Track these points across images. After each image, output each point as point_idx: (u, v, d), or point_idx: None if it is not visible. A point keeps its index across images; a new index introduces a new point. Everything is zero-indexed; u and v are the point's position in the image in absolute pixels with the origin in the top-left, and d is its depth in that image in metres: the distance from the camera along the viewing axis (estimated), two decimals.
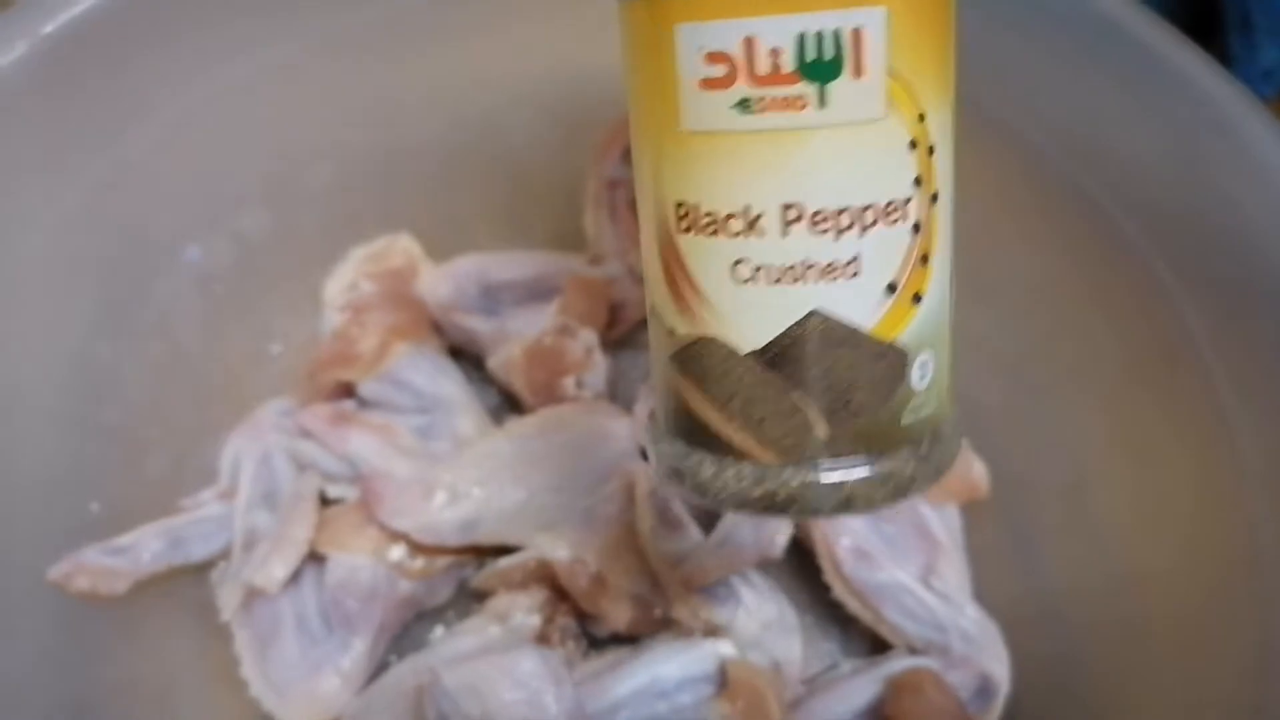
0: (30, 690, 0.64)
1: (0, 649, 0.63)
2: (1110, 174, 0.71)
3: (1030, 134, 0.74)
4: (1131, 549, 0.70)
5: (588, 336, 0.78)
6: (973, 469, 0.74)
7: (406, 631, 0.75)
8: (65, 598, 0.66)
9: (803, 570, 0.76)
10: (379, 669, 0.71)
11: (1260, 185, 0.62)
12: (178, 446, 0.76)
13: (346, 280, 0.81)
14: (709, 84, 0.38)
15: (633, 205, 0.82)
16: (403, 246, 0.83)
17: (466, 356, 0.84)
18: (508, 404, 0.83)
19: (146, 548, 0.68)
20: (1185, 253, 0.67)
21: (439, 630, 0.71)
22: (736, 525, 0.71)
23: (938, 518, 0.73)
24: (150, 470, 0.74)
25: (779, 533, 0.71)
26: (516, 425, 0.74)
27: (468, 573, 0.75)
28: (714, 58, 0.38)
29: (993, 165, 0.77)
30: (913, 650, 0.70)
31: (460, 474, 0.71)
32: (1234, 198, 0.64)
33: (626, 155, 0.83)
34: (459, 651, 0.66)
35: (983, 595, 0.73)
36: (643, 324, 0.86)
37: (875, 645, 0.74)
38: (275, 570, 0.68)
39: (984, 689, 0.69)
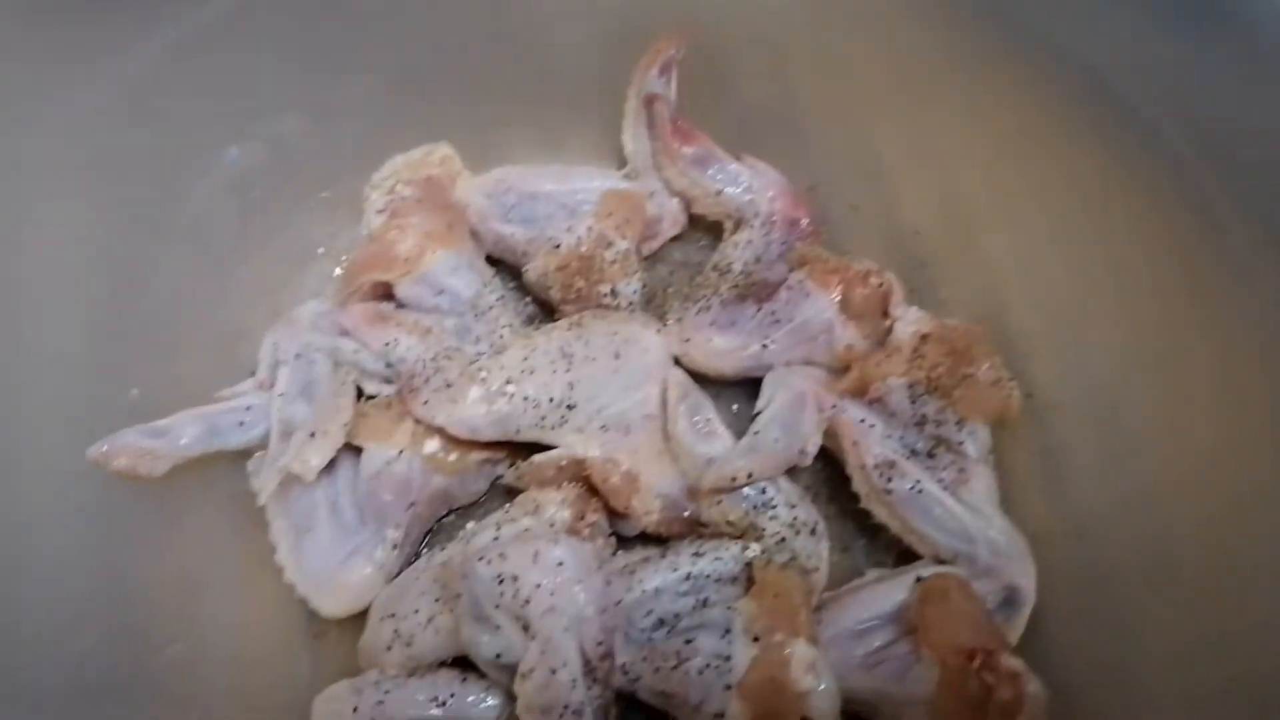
0: (73, 569, 0.65)
1: (44, 530, 0.65)
2: (1151, 91, 0.71)
3: (1080, 54, 0.74)
4: (1159, 466, 0.70)
5: (624, 246, 0.79)
6: (1006, 389, 0.74)
7: (439, 526, 0.76)
8: (106, 484, 0.68)
9: (831, 479, 0.77)
10: (410, 561, 0.72)
11: None
12: (215, 344, 0.77)
13: (386, 185, 0.81)
14: None
15: (671, 121, 0.83)
16: (442, 155, 0.84)
17: (503, 266, 0.84)
18: (542, 313, 0.84)
19: (185, 431, 0.70)
20: (1233, 172, 0.67)
21: (470, 526, 0.72)
22: (767, 431, 0.71)
23: (968, 433, 0.73)
24: (188, 364, 0.75)
25: (810, 440, 0.72)
26: (553, 328, 0.75)
27: (500, 471, 0.75)
28: None
29: (1035, 89, 0.78)
30: (939, 561, 0.71)
31: (496, 372, 0.72)
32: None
33: (666, 71, 0.84)
34: (491, 540, 0.67)
35: (1011, 512, 0.73)
36: (677, 240, 0.87)
37: (901, 556, 0.74)
38: (312, 458, 0.69)
39: (1010, 600, 0.69)
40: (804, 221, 0.83)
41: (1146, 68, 0.71)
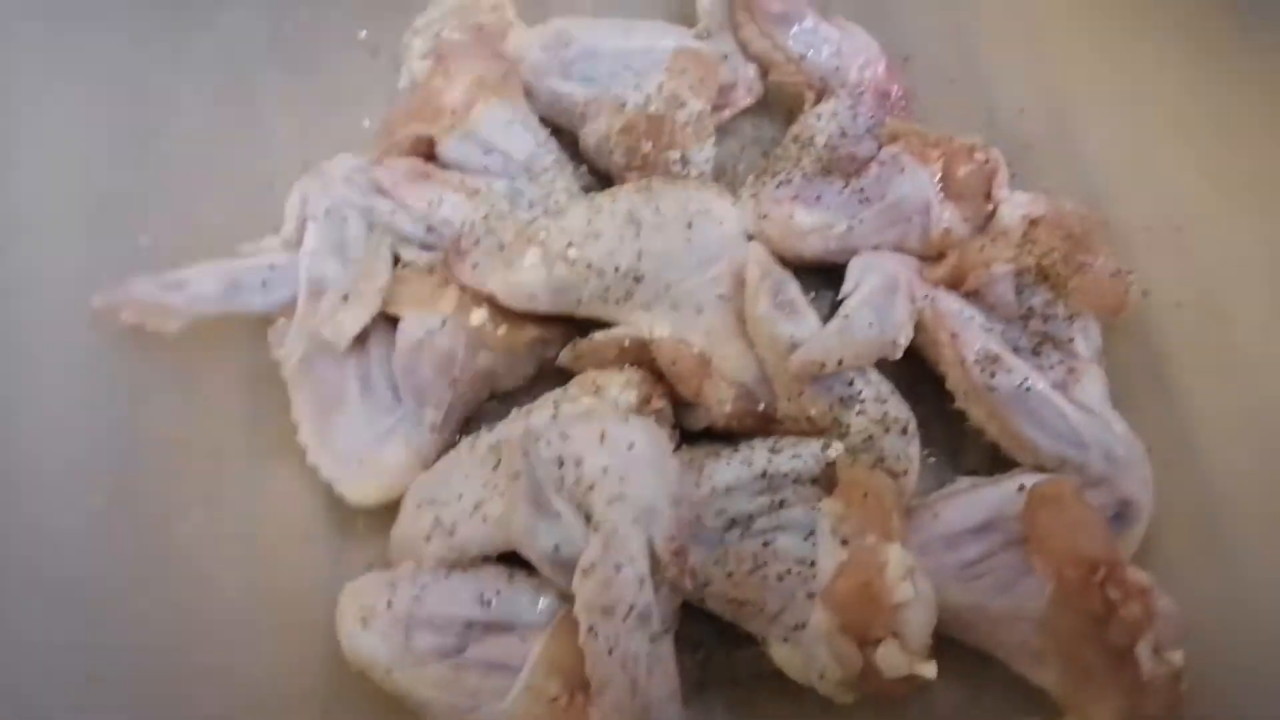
0: (76, 424, 0.59)
1: (45, 380, 0.59)
2: None
3: None
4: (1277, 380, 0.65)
5: (698, 107, 0.70)
6: (1125, 282, 0.66)
7: (480, 413, 0.68)
8: (113, 339, 0.61)
9: (919, 379, 0.69)
10: (447, 448, 0.65)
11: None
12: (239, 193, 0.70)
13: (431, 31, 0.73)
14: None
15: None
16: (494, 2, 0.75)
17: (557, 134, 0.76)
18: (599, 184, 0.75)
19: (202, 287, 0.62)
20: None
21: (519, 410, 0.64)
22: (859, 315, 0.64)
23: (1079, 330, 0.65)
24: (208, 214, 0.68)
25: (903, 329, 0.64)
26: (619, 190, 0.67)
27: (550, 353, 0.67)
28: None
29: None
30: (1042, 470, 0.63)
31: (557, 234, 0.64)
32: None
33: None
34: (549, 420, 0.59)
35: None
36: (748, 112, 0.79)
37: (993, 466, 0.66)
38: (346, 322, 0.62)
39: (1123, 515, 0.62)
40: (897, 93, 0.75)
41: None
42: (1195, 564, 0.63)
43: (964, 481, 0.65)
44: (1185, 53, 0.72)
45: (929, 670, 0.55)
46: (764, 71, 0.77)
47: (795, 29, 0.75)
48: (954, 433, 0.68)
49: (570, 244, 0.63)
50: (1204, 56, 0.71)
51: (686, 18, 0.78)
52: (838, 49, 0.75)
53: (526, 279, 0.63)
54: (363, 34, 0.75)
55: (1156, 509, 0.64)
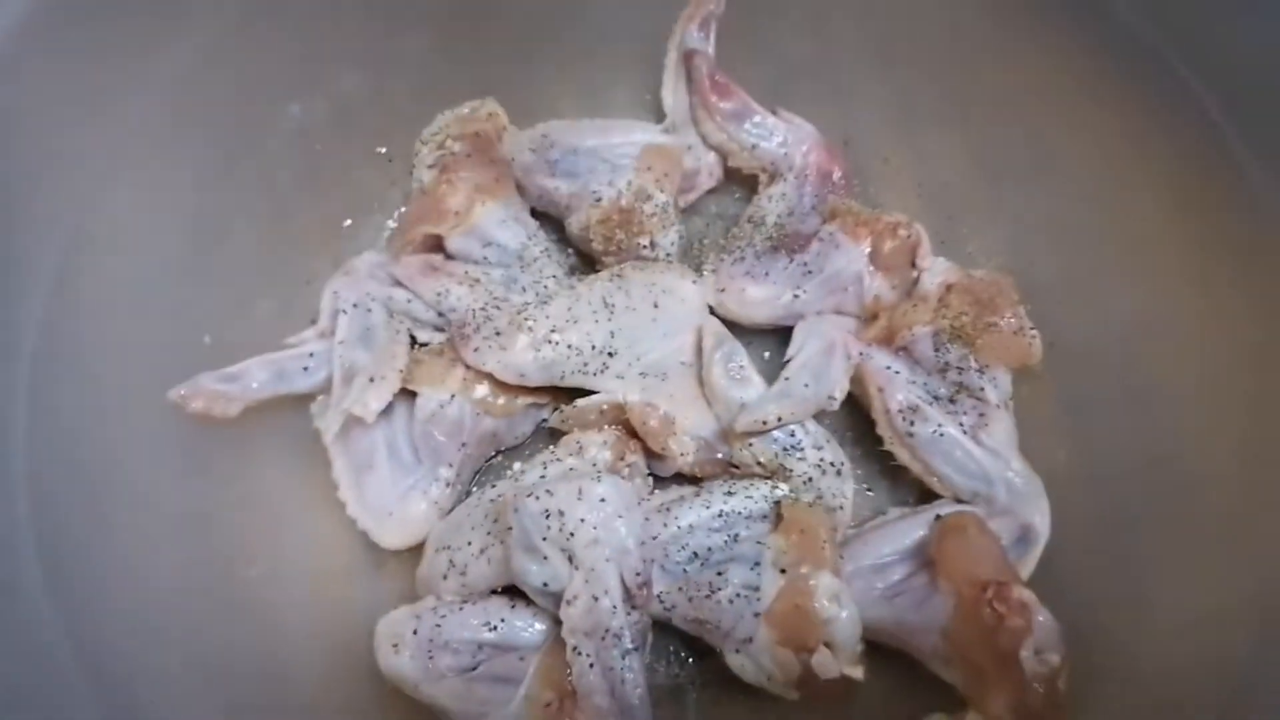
0: (160, 502, 0.71)
1: (132, 465, 0.70)
2: (1183, 45, 0.72)
3: (1114, 11, 0.75)
4: (1177, 418, 0.73)
5: (663, 199, 0.82)
6: (1028, 337, 0.77)
7: (488, 465, 0.81)
8: (187, 424, 0.73)
9: (858, 423, 0.81)
10: (462, 497, 0.78)
11: None
12: (282, 292, 0.82)
13: (436, 140, 0.85)
14: None
15: (709, 76, 0.86)
16: (489, 110, 0.87)
17: (547, 219, 0.88)
18: (583, 264, 0.88)
19: (255, 376, 0.75)
20: (1257, 122, 0.68)
21: (518, 465, 0.77)
22: (797, 377, 0.75)
23: (989, 380, 0.76)
24: (258, 311, 0.80)
25: (838, 386, 0.76)
26: (595, 279, 0.79)
27: (545, 414, 0.80)
28: None
29: (1065, 45, 0.79)
30: (958, 501, 0.75)
31: (542, 321, 0.76)
32: None
33: (705, 26, 0.87)
34: (538, 479, 0.72)
35: (1032, 457, 0.76)
36: (714, 192, 0.91)
37: (921, 497, 0.79)
38: (371, 401, 0.74)
39: (1024, 538, 0.73)
40: (837, 174, 0.86)
41: (1182, 28, 0.72)
42: (1100, 573, 0.73)
43: (894, 512, 0.77)
44: (1092, 129, 0.79)
45: (857, 673, 0.66)
46: (723, 158, 0.88)
47: (747, 123, 0.86)
48: (889, 469, 0.79)
49: (554, 329, 0.76)
50: (1110, 132, 0.78)
51: (657, 114, 0.89)
52: (784, 138, 0.86)
53: (518, 360, 0.75)
54: (381, 149, 0.87)
55: (1067, 527, 0.74)
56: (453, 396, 0.76)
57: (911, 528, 0.73)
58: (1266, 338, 0.69)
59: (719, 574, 0.69)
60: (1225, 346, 0.71)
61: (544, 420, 0.81)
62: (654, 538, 0.70)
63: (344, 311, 0.78)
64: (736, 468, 0.76)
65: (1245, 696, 0.60)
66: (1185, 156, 0.73)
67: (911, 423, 0.75)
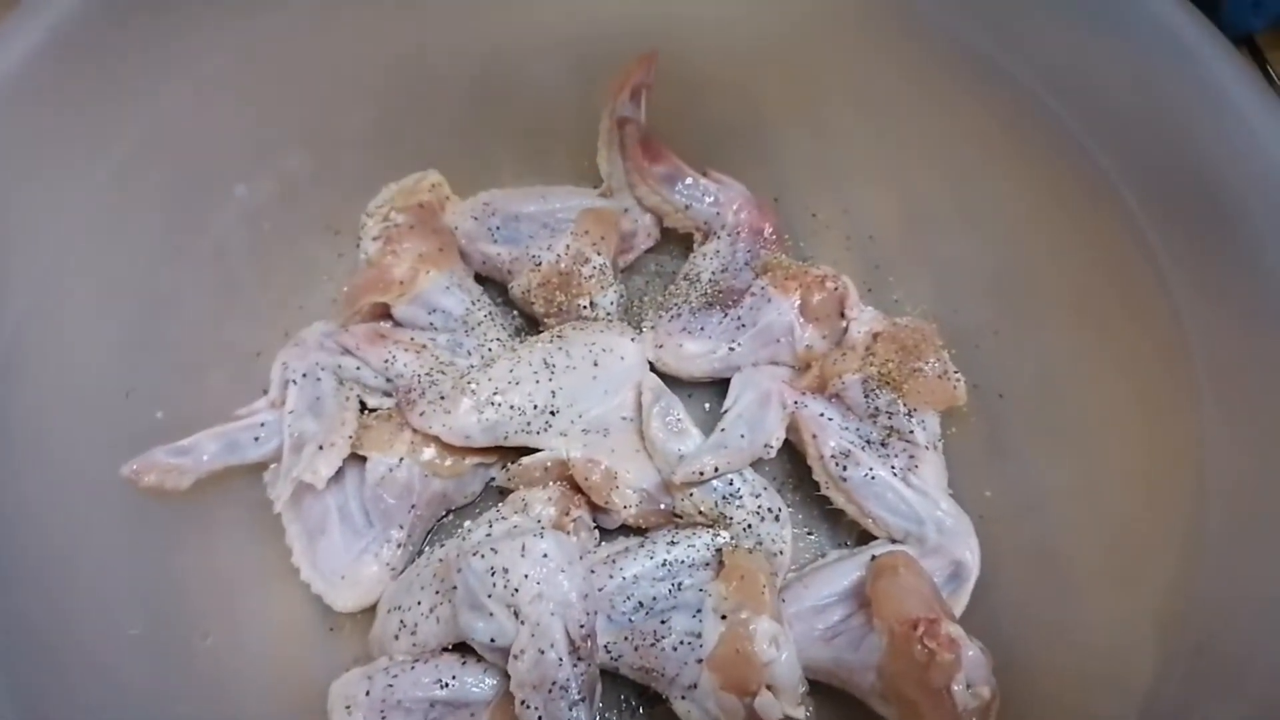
0: (115, 568, 0.72)
1: (87, 535, 0.72)
2: (1086, 111, 0.76)
3: (1018, 74, 0.80)
4: (1099, 455, 0.77)
5: (600, 261, 0.85)
6: (952, 380, 0.80)
7: (439, 525, 0.83)
8: (141, 500, 0.75)
9: (794, 470, 0.83)
10: (414, 558, 0.80)
11: (1221, 121, 0.68)
12: (234, 365, 0.84)
13: (380, 213, 0.88)
14: None
15: (641, 142, 0.90)
16: (431, 182, 0.91)
17: (490, 283, 0.91)
18: (528, 325, 0.91)
19: (206, 449, 0.77)
20: (1152, 186, 0.73)
21: (468, 524, 0.79)
22: (733, 428, 0.78)
23: (918, 423, 0.79)
24: (210, 384, 0.82)
25: (774, 435, 0.79)
26: (535, 340, 0.82)
27: (493, 473, 0.83)
28: None
29: (983, 103, 0.83)
30: (893, 541, 0.78)
31: (485, 384, 0.79)
32: (1198, 135, 0.70)
33: (636, 95, 0.91)
34: (484, 537, 0.74)
35: (962, 494, 0.80)
36: (651, 251, 0.94)
37: (860, 538, 0.81)
38: (321, 468, 0.76)
39: (956, 574, 0.76)
40: (768, 230, 0.90)
41: (1079, 93, 0.76)
42: (1029, 605, 0.76)
43: (832, 554, 0.80)
44: (1014, 181, 0.83)
45: (799, 714, 0.69)
46: (659, 219, 0.92)
47: (679, 185, 0.90)
48: (828, 513, 0.82)
49: (496, 391, 0.79)
50: (1026, 185, 0.82)
51: (596, 179, 0.93)
52: (716, 198, 0.90)
53: (462, 423, 0.77)
54: (327, 222, 0.89)
55: (998, 560, 0.77)
56: (401, 460, 0.78)
57: (849, 569, 0.75)
58: (1158, 383, 0.72)
59: (663, 622, 0.72)
60: (1124, 389, 0.74)
61: (493, 479, 0.83)
62: (600, 589, 0.72)
63: (294, 382, 0.81)
64: (679, 518, 0.78)
65: (1150, 714, 0.63)
66: (1091, 212, 0.77)
67: (844, 467, 0.77)
